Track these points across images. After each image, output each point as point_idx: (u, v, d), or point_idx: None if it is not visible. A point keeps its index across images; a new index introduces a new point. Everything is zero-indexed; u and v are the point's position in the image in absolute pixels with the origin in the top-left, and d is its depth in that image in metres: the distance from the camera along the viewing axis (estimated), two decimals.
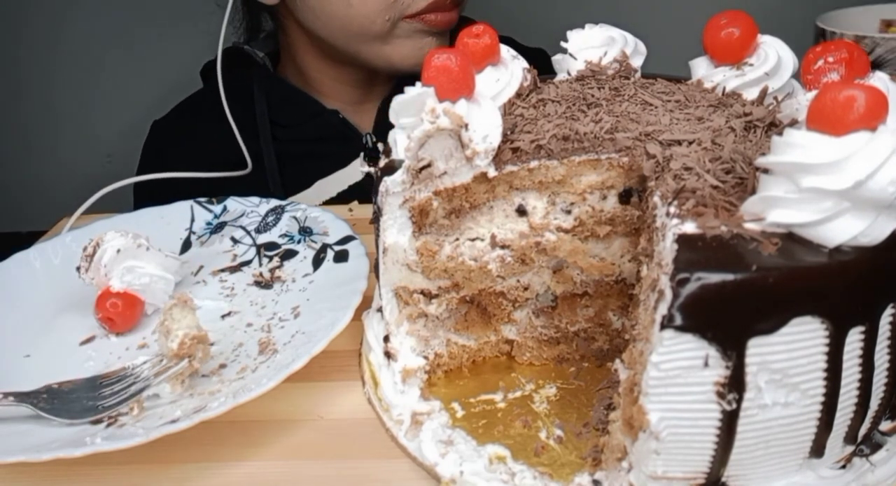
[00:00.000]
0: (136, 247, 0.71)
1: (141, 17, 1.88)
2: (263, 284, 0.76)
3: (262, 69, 1.13)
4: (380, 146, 1.10)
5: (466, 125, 0.53)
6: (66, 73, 1.99)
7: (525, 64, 0.64)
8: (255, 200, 0.87)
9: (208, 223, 0.85)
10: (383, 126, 1.09)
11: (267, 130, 1.07)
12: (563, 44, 0.68)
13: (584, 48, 0.67)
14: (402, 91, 1.11)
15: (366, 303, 0.66)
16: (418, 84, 0.55)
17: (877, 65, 0.84)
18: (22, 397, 0.58)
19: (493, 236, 0.59)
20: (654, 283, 0.45)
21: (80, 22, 1.93)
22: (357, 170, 1.06)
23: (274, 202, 0.86)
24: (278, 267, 0.78)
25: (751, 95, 0.59)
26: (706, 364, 0.42)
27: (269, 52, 1.17)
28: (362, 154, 1.10)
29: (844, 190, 0.40)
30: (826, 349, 0.42)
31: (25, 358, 0.67)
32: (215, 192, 0.88)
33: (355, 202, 1.08)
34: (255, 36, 1.19)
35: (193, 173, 0.97)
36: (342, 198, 1.08)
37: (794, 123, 0.50)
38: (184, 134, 1.14)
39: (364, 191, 1.07)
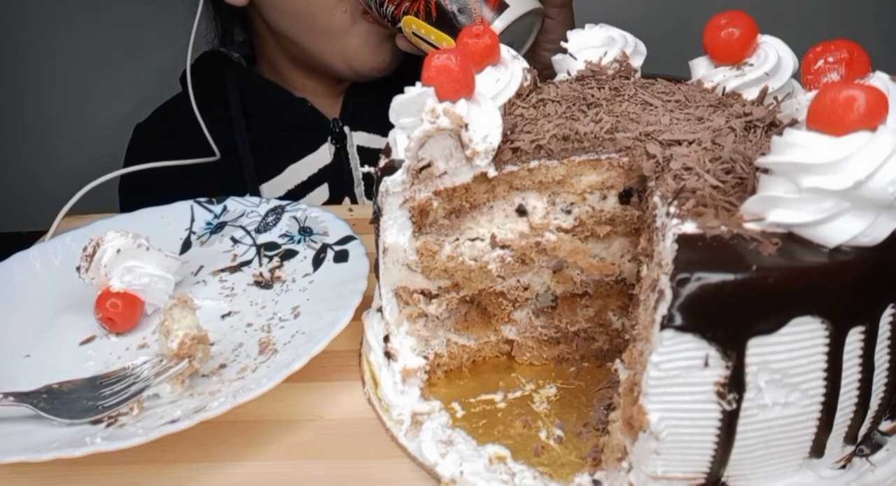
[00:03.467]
0: (136, 247, 0.71)
1: (142, 19, 1.88)
2: (263, 284, 0.76)
3: (235, 66, 1.18)
4: (346, 130, 1.13)
5: (466, 125, 0.53)
6: (66, 74, 1.99)
7: (525, 64, 0.64)
8: (256, 200, 0.87)
9: (208, 223, 0.85)
10: (350, 112, 1.14)
11: (240, 121, 1.12)
12: (563, 44, 0.68)
13: (584, 48, 0.67)
14: (364, 81, 1.07)
15: (366, 303, 0.66)
16: (418, 84, 0.55)
17: None
18: (22, 397, 0.58)
19: (493, 236, 0.59)
20: (654, 283, 0.45)
21: (80, 23, 1.93)
22: (326, 153, 1.12)
23: (274, 202, 0.86)
24: (278, 267, 0.78)
25: (751, 95, 0.59)
26: (706, 364, 0.42)
27: (245, 54, 1.22)
28: (330, 138, 1.14)
29: (844, 190, 0.40)
30: (826, 349, 0.42)
31: (25, 358, 0.67)
32: (194, 184, 0.90)
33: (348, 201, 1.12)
34: (230, 41, 1.24)
35: (166, 162, 1.00)
36: (313, 181, 1.12)
37: (794, 123, 0.50)
38: (164, 135, 1.19)
39: (333, 173, 1.11)
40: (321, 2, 1.01)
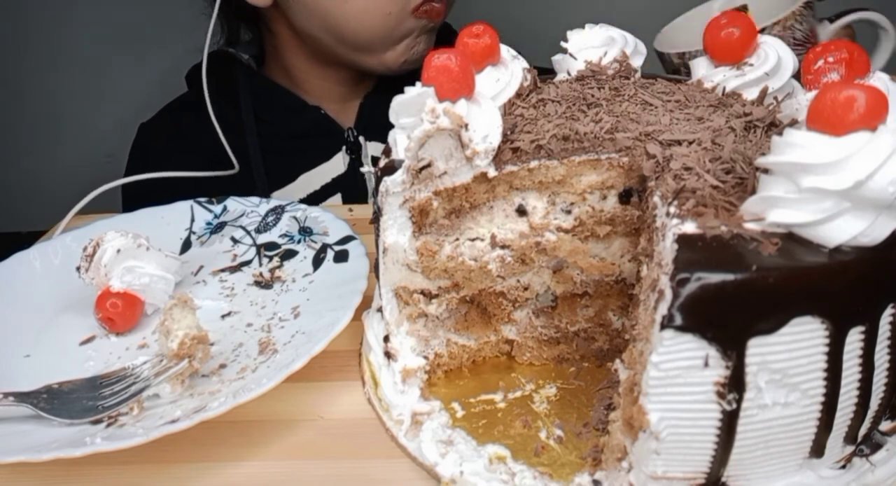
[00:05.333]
0: (136, 247, 0.71)
1: (142, 18, 1.88)
2: (263, 284, 0.76)
3: (246, 68, 1.15)
4: (361, 140, 1.10)
5: (466, 125, 0.53)
6: (67, 74, 1.99)
7: (525, 64, 0.64)
8: (255, 200, 0.87)
9: (208, 223, 0.85)
10: (365, 121, 1.11)
11: (252, 127, 1.09)
12: (563, 44, 0.68)
13: (584, 48, 0.67)
14: (383, 88, 1.07)
15: (366, 303, 0.66)
16: (418, 84, 0.55)
17: None
18: (22, 397, 0.58)
19: (493, 236, 0.59)
20: (654, 283, 0.45)
21: (80, 23, 1.93)
22: (340, 162, 1.10)
23: (274, 202, 0.86)
24: (278, 267, 0.78)
25: (751, 95, 0.59)
26: (706, 364, 0.42)
27: (253, 54, 1.19)
28: (344, 148, 1.11)
29: (844, 190, 0.40)
30: (826, 349, 0.42)
31: (25, 358, 0.67)
32: (203, 190, 0.89)
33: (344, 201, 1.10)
34: (237, 41, 1.21)
35: (183, 173, 0.98)
36: (326, 190, 1.10)
37: (794, 123, 0.50)
38: (169, 135, 1.16)
39: (347, 183, 1.09)
40: (360, 4, 0.99)
